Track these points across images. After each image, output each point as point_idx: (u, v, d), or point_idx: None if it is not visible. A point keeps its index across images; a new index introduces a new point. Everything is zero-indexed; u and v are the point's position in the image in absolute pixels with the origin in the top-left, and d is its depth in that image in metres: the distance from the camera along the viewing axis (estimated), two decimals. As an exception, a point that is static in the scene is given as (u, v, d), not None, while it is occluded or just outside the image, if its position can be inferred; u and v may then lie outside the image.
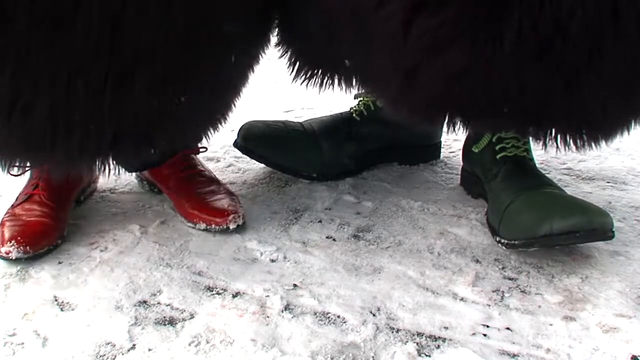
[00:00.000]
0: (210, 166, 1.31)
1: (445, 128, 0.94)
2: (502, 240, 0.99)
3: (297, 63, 1.08)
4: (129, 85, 0.86)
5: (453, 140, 1.44)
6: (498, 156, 1.09)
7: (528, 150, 1.09)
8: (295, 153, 1.22)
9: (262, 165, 1.31)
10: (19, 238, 0.96)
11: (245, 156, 1.27)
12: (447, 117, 0.92)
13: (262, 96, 1.74)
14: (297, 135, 1.23)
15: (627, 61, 0.84)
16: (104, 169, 0.95)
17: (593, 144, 0.95)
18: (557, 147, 0.94)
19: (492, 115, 0.90)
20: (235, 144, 1.24)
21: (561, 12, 0.80)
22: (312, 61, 1.07)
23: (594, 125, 0.93)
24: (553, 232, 0.93)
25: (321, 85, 1.08)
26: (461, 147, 1.26)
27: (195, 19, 0.88)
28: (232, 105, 1.07)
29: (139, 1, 0.82)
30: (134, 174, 1.21)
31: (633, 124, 0.96)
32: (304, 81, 1.09)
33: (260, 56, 1.07)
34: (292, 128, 1.25)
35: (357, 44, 0.93)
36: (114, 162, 0.96)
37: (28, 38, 0.80)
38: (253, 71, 1.08)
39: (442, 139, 1.37)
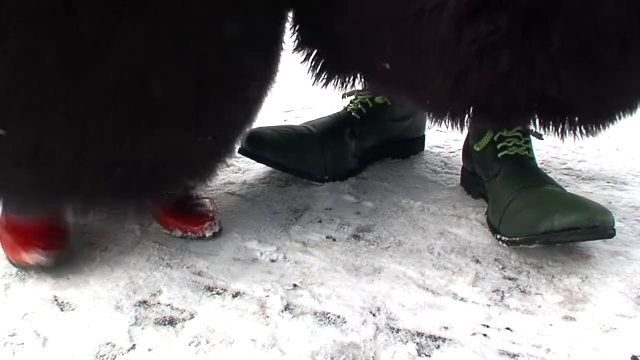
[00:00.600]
0: (210, 166, 1.31)
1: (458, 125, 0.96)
2: (503, 238, 0.99)
3: (322, 66, 1.06)
4: (155, 130, 0.85)
5: (453, 140, 1.44)
6: (499, 155, 1.09)
7: (529, 149, 1.10)
8: (309, 157, 1.21)
9: (262, 165, 1.31)
10: (39, 244, 0.93)
11: (245, 156, 1.27)
12: (479, 119, 0.95)
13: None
14: (307, 139, 1.22)
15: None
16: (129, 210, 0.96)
17: (599, 130, 0.97)
18: (571, 137, 0.96)
19: (521, 113, 0.92)
20: (245, 152, 1.21)
21: (600, 17, 0.82)
22: (339, 65, 1.05)
23: (607, 116, 0.96)
24: (554, 229, 0.93)
25: (343, 87, 1.07)
26: (461, 147, 1.26)
27: (215, 65, 0.87)
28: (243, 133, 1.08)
29: (163, 52, 0.81)
30: None
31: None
32: (325, 84, 1.07)
33: (272, 82, 1.05)
34: (300, 132, 1.24)
35: (399, 49, 0.92)
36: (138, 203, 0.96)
37: (53, 86, 0.78)
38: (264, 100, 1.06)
39: (442, 139, 1.37)
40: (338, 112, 1.29)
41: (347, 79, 1.05)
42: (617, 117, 0.97)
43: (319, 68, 1.07)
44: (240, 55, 0.91)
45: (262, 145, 1.20)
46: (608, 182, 1.25)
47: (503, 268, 0.97)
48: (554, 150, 1.38)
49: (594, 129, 0.96)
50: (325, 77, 1.07)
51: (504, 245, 0.99)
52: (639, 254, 1.00)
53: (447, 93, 0.90)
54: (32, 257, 0.92)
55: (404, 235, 1.06)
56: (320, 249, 1.02)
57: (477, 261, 0.99)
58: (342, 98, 1.28)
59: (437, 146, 1.41)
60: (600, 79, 0.87)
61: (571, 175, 1.28)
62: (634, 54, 0.86)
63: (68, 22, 0.75)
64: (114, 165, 0.86)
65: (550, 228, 0.94)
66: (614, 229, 0.95)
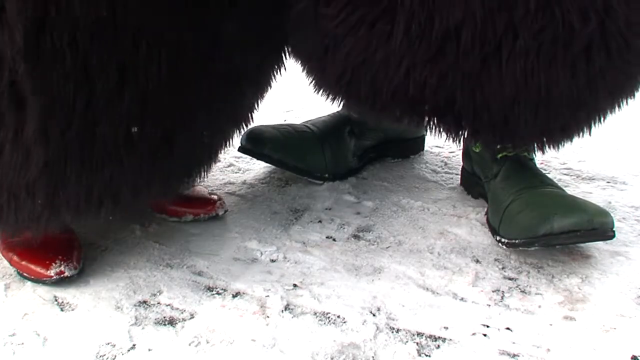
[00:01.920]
0: (210, 166, 1.31)
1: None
2: (503, 240, 0.99)
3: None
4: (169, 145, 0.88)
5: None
6: (498, 155, 1.09)
7: (528, 150, 1.09)
8: (309, 156, 1.21)
9: (262, 165, 1.31)
10: (60, 256, 0.92)
11: (245, 156, 1.27)
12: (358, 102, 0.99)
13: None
14: (308, 137, 1.23)
15: (517, 78, 0.87)
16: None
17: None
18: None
19: (399, 108, 0.95)
20: (246, 150, 1.22)
21: (449, 24, 0.85)
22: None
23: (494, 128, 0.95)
24: (554, 231, 0.93)
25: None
26: (461, 147, 1.26)
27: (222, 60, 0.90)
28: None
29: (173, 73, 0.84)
30: None
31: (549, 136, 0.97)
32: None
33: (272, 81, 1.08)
34: (301, 130, 1.25)
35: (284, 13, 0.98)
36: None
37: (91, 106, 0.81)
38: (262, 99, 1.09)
39: (442, 140, 1.37)
40: (337, 111, 1.28)
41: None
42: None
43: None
44: (237, 54, 0.93)
45: (262, 143, 1.20)
46: (608, 182, 1.25)
47: (503, 268, 0.97)
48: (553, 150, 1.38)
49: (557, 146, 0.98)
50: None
51: (504, 247, 0.99)
52: (639, 254, 1.00)
53: (315, 65, 1.00)
54: (55, 270, 0.91)
55: (404, 235, 1.06)
56: (320, 249, 1.02)
57: (477, 261, 0.99)
58: None
59: (437, 146, 1.41)
60: (465, 90, 0.89)
61: (571, 175, 1.28)
62: (502, 73, 0.87)
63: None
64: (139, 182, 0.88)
65: (550, 230, 0.94)
66: (614, 231, 0.95)
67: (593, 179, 1.27)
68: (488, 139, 0.98)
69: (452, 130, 0.95)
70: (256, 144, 1.21)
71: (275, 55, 1.05)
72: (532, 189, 1.02)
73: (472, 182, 1.17)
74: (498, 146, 1.09)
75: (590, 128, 0.98)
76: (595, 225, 0.93)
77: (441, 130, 0.95)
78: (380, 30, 0.87)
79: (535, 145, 0.97)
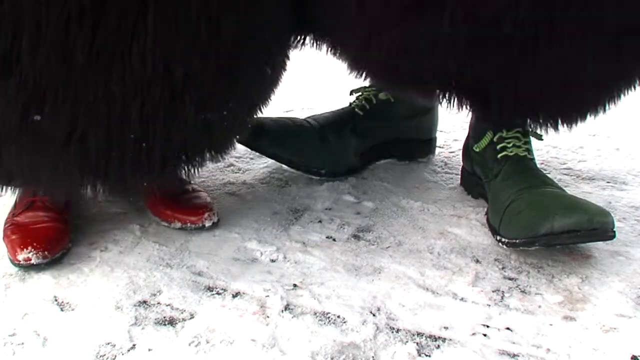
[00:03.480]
0: (210, 166, 1.31)
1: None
2: (503, 240, 0.99)
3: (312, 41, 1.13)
4: (179, 105, 0.88)
5: (453, 140, 1.44)
6: (499, 155, 1.09)
7: (529, 150, 1.09)
8: (306, 149, 1.20)
9: (262, 165, 1.31)
10: (35, 244, 0.95)
11: (245, 156, 1.27)
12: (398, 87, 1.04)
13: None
14: (307, 131, 1.22)
15: (567, 50, 0.91)
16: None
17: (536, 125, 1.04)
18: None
19: (430, 86, 0.99)
20: (243, 142, 1.21)
21: (494, 10, 0.88)
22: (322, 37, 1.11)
23: (538, 108, 1.01)
24: (554, 231, 0.93)
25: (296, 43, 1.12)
26: (461, 147, 1.26)
27: (239, 35, 0.91)
28: (260, 113, 1.09)
29: (190, 30, 0.85)
30: None
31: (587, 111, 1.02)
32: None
33: (286, 64, 1.09)
34: (299, 124, 1.24)
35: (324, 7, 1.02)
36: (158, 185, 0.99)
37: (86, 72, 0.83)
38: (281, 79, 1.09)
39: (442, 140, 1.37)
40: (342, 108, 1.28)
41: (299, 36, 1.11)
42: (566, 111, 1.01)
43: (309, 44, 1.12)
44: (256, 37, 0.94)
45: (259, 135, 1.20)
46: (608, 182, 1.25)
47: (503, 268, 0.97)
48: (554, 150, 1.38)
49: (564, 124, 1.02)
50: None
51: (504, 246, 0.99)
52: (639, 254, 1.00)
53: (357, 56, 1.02)
54: (23, 256, 0.94)
55: (404, 235, 1.06)
56: (320, 249, 1.02)
57: (477, 261, 0.99)
58: (350, 94, 1.27)
59: (437, 146, 1.41)
60: (506, 73, 0.93)
61: (571, 175, 1.28)
62: (544, 57, 0.90)
63: (96, 18, 0.81)
64: (143, 144, 0.89)
65: (550, 230, 0.93)
66: (614, 231, 0.95)
67: (593, 179, 1.27)
68: (510, 117, 1.02)
69: (479, 108, 1.00)
70: (253, 136, 1.20)
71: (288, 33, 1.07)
72: (532, 189, 1.02)
73: (472, 182, 1.17)
74: (501, 145, 1.10)
75: (605, 109, 1.01)
76: (595, 225, 0.93)
77: (469, 107, 0.99)
78: (428, 14, 0.89)
79: (550, 123, 1.00)
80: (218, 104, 0.93)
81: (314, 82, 1.69)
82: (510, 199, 1.01)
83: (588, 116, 1.01)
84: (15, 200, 1.05)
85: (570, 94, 0.96)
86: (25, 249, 0.94)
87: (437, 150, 1.39)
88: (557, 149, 1.39)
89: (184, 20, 0.85)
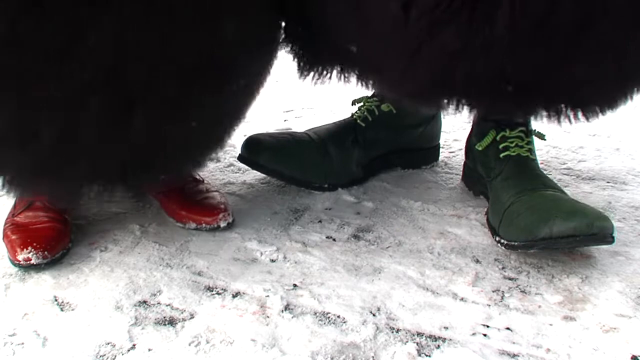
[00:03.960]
0: (210, 166, 1.31)
1: (448, 112, 0.96)
2: (502, 241, 0.99)
3: (302, 58, 1.07)
4: (138, 113, 0.85)
5: (453, 141, 1.44)
6: (501, 155, 1.08)
7: (531, 150, 1.09)
8: (307, 165, 1.18)
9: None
10: (35, 244, 0.95)
11: (242, 163, 1.27)
12: (448, 99, 0.94)
13: (262, 96, 1.74)
14: (307, 145, 1.20)
15: (616, 35, 0.87)
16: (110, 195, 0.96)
17: (592, 117, 0.98)
18: (559, 122, 0.96)
19: (491, 95, 0.93)
20: (243, 159, 1.20)
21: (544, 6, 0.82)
22: (315, 54, 1.06)
23: (588, 100, 0.96)
24: (553, 235, 0.93)
25: (322, 77, 1.06)
26: (461, 147, 1.26)
27: (201, 45, 0.87)
28: (234, 129, 1.05)
29: (144, 34, 0.82)
30: None
31: (629, 94, 0.97)
32: (307, 76, 1.07)
33: (266, 77, 1.06)
34: (300, 139, 1.21)
35: (357, 30, 0.93)
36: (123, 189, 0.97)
37: (35, 69, 0.80)
38: (259, 92, 1.06)
39: (442, 140, 1.37)
40: (343, 119, 1.26)
41: (327, 70, 1.05)
42: (606, 104, 0.97)
43: (301, 61, 1.07)
44: (228, 49, 0.91)
45: (258, 152, 1.18)
46: (608, 182, 1.25)
47: (503, 268, 0.97)
48: (554, 150, 1.38)
49: (579, 115, 0.96)
50: (307, 69, 1.07)
51: (503, 247, 0.99)
52: (639, 254, 1.00)
53: (402, 73, 0.92)
54: (23, 256, 0.94)
55: (404, 235, 1.06)
56: (320, 249, 1.02)
57: (477, 261, 0.99)
58: (352, 105, 1.26)
59: (437, 146, 1.41)
60: (565, 60, 0.88)
61: (571, 175, 1.28)
62: (599, 32, 0.86)
63: (39, 13, 0.77)
64: (103, 149, 0.87)
65: (549, 235, 0.93)
66: (613, 236, 0.94)
67: (593, 179, 1.27)
68: (563, 107, 0.97)
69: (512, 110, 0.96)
70: (252, 153, 1.18)
71: (269, 47, 1.03)
72: (532, 191, 1.02)
73: (474, 180, 1.17)
74: (503, 144, 1.09)
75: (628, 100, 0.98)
76: (594, 230, 0.93)
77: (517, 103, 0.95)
78: (483, 13, 0.84)
79: (572, 116, 0.97)
80: (179, 116, 0.90)
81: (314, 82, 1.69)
82: (511, 201, 1.01)
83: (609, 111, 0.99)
84: (15, 200, 1.05)
85: (611, 88, 0.93)
86: (25, 249, 0.94)
87: (437, 150, 1.39)
88: (557, 149, 1.39)
89: (141, 18, 0.81)
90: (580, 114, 0.95)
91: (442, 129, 1.35)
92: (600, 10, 0.84)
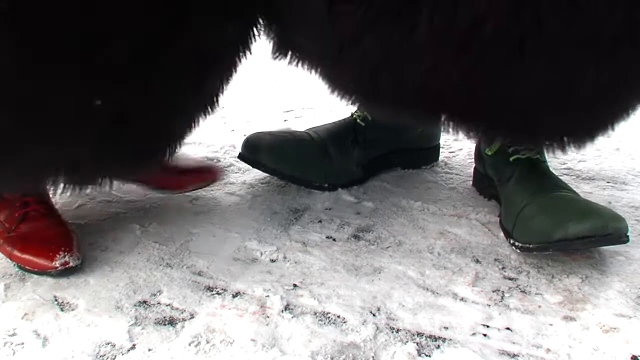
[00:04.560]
0: (210, 166, 1.31)
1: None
2: (517, 244, 0.99)
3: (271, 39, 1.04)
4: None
5: (453, 141, 1.44)
6: (511, 158, 1.09)
7: (540, 152, 1.10)
8: (307, 164, 1.18)
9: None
10: (64, 248, 0.93)
11: (242, 161, 1.27)
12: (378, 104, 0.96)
13: (262, 96, 1.74)
14: (307, 145, 1.20)
15: (541, 75, 0.84)
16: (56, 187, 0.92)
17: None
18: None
19: (423, 109, 0.92)
20: (243, 158, 1.20)
21: (473, 16, 0.80)
22: (278, 38, 1.04)
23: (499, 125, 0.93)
24: (568, 237, 0.93)
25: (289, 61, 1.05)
26: (461, 147, 1.27)
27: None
28: (196, 125, 1.01)
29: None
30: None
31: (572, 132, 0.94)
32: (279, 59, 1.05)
33: (235, 67, 1.01)
34: (300, 138, 1.21)
35: (296, 18, 0.95)
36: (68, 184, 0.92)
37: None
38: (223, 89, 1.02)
39: (442, 140, 1.37)
40: (343, 119, 1.26)
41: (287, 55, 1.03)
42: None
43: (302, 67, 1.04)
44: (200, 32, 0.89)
45: (258, 151, 1.18)
46: (608, 182, 1.25)
47: (503, 268, 0.97)
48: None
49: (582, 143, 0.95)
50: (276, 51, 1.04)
51: (517, 250, 0.99)
52: (639, 254, 1.00)
53: (327, 73, 0.95)
54: (60, 260, 0.92)
55: (404, 235, 1.06)
56: (320, 249, 1.02)
57: (477, 261, 0.99)
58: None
59: (437, 146, 1.41)
60: (495, 85, 0.86)
61: (571, 175, 1.28)
62: (532, 62, 0.83)
63: None
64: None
65: (565, 236, 0.93)
66: (628, 236, 0.94)
67: (593, 179, 1.27)
68: (508, 138, 0.97)
69: (472, 129, 0.93)
70: (252, 152, 1.19)
71: (243, 34, 1.00)
72: (545, 193, 1.01)
73: (486, 184, 1.17)
74: (512, 148, 1.09)
75: (614, 126, 0.94)
76: (610, 231, 0.93)
77: (458, 129, 0.93)
78: (404, 21, 0.83)
79: (556, 145, 0.94)
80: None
81: (314, 82, 1.69)
82: (524, 203, 1.01)
83: (597, 135, 0.95)
84: None
85: (570, 112, 0.90)
86: (58, 254, 0.92)
87: (437, 150, 1.39)
88: (557, 149, 1.39)
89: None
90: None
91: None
92: (535, 31, 0.80)
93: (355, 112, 1.25)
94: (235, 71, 1.01)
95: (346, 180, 1.21)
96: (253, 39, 1.01)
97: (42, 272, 0.93)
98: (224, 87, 1.01)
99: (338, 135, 1.22)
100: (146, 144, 0.93)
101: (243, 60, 1.01)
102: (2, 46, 0.76)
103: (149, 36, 0.83)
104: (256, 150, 1.19)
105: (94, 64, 0.80)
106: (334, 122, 1.26)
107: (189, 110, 0.97)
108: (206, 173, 1.13)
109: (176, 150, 0.98)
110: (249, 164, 1.21)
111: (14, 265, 0.95)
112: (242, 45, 1.00)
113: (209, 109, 1.00)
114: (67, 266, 0.92)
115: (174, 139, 0.97)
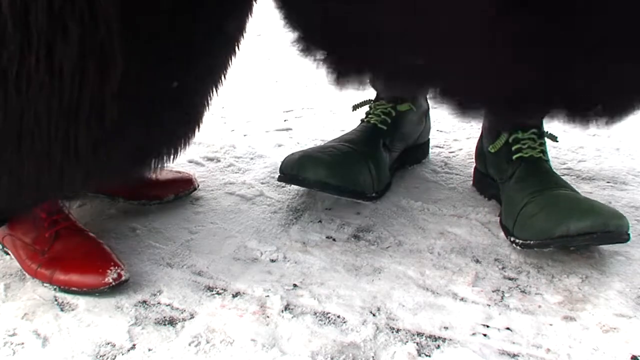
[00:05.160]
0: (210, 166, 1.31)
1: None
2: (517, 241, 0.99)
3: (339, 68, 1.03)
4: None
5: (453, 140, 1.44)
6: (514, 157, 1.09)
7: (544, 152, 1.10)
8: (359, 175, 1.13)
9: (262, 165, 1.31)
10: (111, 262, 0.90)
11: (245, 156, 1.27)
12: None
13: (262, 96, 1.74)
14: (354, 157, 1.14)
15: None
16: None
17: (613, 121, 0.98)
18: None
19: (540, 106, 0.96)
20: (296, 180, 1.12)
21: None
22: (358, 65, 1.03)
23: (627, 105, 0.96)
24: (569, 234, 0.94)
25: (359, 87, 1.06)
26: (461, 147, 1.27)
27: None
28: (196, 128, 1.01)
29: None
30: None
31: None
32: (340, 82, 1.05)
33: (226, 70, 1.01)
34: (345, 151, 1.15)
35: (435, 45, 0.91)
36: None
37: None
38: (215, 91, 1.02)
39: (442, 139, 1.37)
40: (362, 125, 1.23)
41: (364, 79, 1.04)
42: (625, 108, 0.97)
43: (336, 70, 1.03)
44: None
45: (305, 169, 1.11)
46: (608, 182, 1.25)
47: (503, 268, 0.97)
48: (554, 150, 1.38)
49: (615, 118, 0.97)
50: (343, 78, 1.03)
51: (518, 248, 0.99)
52: (639, 254, 1.00)
53: (483, 87, 0.92)
54: (112, 275, 0.89)
55: (404, 235, 1.06)
56: (320, 249, 1.02)
57: (477, 261, 0.99)
58: (353, 110, 1.25)
59: (437, 146, 1.41)
60: (618, 70, 0.88)
61: (571, 175, 1.28)
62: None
63: None
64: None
65: (566, 233, 0.94)
66: (629, 234, 0.95)
67: (593, 179, 1.27)
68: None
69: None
70: (302, 169, 1.11)
71: (228, 45, 1.00)
72: (546, 191, 1.02)
73: (486, 184, 1.17)
74: (516, 146, 1.10)
75: None
76: (611, 228, 0.94)
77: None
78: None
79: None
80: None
81: (314, 82, 1.69)
82: (525, 201, 1.01)
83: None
84: (22, 243, 0.96)
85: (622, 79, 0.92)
86: (108, 270, 0.89)
87: (437, 150, 1.39)
88: (557, 149, 1.39)
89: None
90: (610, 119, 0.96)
91: (442, 129, 1.35)
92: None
93: (371, 117, 1.23)
94: (222, 80, 1.01)
95: (384, 186, 1.18)
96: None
97: (92, 290, 0.89)
98: (210, 98, 1.01)
99: (372, 142, 1.19)
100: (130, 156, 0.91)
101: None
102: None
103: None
104: (305, 167, 1.11)
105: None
106: (357, 131, 1.22)
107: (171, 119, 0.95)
108: (182, 183, 1.11)
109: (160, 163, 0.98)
110: (297, 184, 1.13)
111: (55, 289, 0.91)
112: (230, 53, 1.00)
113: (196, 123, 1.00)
114: (120, 280, 0.89)
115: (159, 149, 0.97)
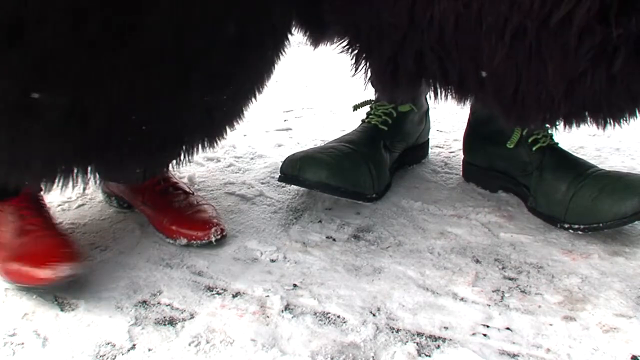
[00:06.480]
0: (210, 166, 1.31)
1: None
2: (576, 226, 1.03)
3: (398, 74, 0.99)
4: (185, 83, 0.85)
5: (453, 140, 1.44)
6: (534, 148, 1.11)
7: (552, 137, 1.13)
8: (360, 177, 1.13)
9: (262, 165, 1.31)
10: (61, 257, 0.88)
11: (245, 156, 1.27)
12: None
13: (262, 96, 1.74)
14: (355, 158, 1.14)
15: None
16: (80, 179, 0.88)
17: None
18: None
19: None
20: (296, 181, 1.11)
21: None
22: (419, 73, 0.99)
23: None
24: (629, 213, 0.98)
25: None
26: (461, 147, 1.26)
27: (250, 11, 0.88)
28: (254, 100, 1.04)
29: (203, 3, 0.83)
30: (100, 190, 1.14)
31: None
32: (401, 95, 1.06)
33: (285, 49, 1.04)
34: (346, 152, 1.15)
35: (508, 58, 0.89)
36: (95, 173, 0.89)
37: (95, 43, 0.78)
38: (276, 65, 1.04)
39: (442, 139, 1.37)
40: (363, 126, 1.23)
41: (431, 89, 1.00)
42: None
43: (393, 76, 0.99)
44: (265, 16, 0.92)
45: (316, 172, 1.10)
46: (608, 182, 1.25)
47: (503, 268, 0.97)
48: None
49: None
50: (402, 85, 0.99)
51: (579, 232, 1.03)
52: (639, 254, 1.00)
53: (561, 98, 0.89)
54: (57, 271, 0.86)
55: (404, 235, 1.06)
56: (320, 249, 1.02)
57: (477, 261, 0.99)
58: (354, 110, 1.25)
59: (437, 146, 1.41)
60: None
61: (571, 175, 1.28)
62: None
63: None
64: (143, 126, 0.85)
65: (636, 210, 0.98)
66: None
67: (593, 179, 1.27)
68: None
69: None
70: (302, 170, 1.11)
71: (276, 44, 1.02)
72: (590, 175, 1.05)
73: (489, 176, 1.19)
74: (532, 137, 1.12)
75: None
76: None
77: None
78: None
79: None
80: (219, 86, 0.91)
81: (314, 82, 1.69)
82: (574, 189, 1.04)
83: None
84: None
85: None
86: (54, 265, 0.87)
87: (437, 150, 1.39)
88: (557, 149, 1.39)
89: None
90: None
91: (442, 129, 1.35)
92: None
93: (371, 118, 1.23)
94: (274, 70, 1.03)
95: (384, 187, 1.19)
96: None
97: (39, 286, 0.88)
98: (265, 85, 1.04)
99: (372, 143, 1.19)
100: (125, 155, 0.89)
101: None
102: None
103: None
104: (313, 170, 1.10)
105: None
106: (357, 132, 1.22)
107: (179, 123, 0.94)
108: (197, 231, 1.02)
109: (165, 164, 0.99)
110: (297, 184, 1.13)
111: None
112: (285, 41, 1.02)
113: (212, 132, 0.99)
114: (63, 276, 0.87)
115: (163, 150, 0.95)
